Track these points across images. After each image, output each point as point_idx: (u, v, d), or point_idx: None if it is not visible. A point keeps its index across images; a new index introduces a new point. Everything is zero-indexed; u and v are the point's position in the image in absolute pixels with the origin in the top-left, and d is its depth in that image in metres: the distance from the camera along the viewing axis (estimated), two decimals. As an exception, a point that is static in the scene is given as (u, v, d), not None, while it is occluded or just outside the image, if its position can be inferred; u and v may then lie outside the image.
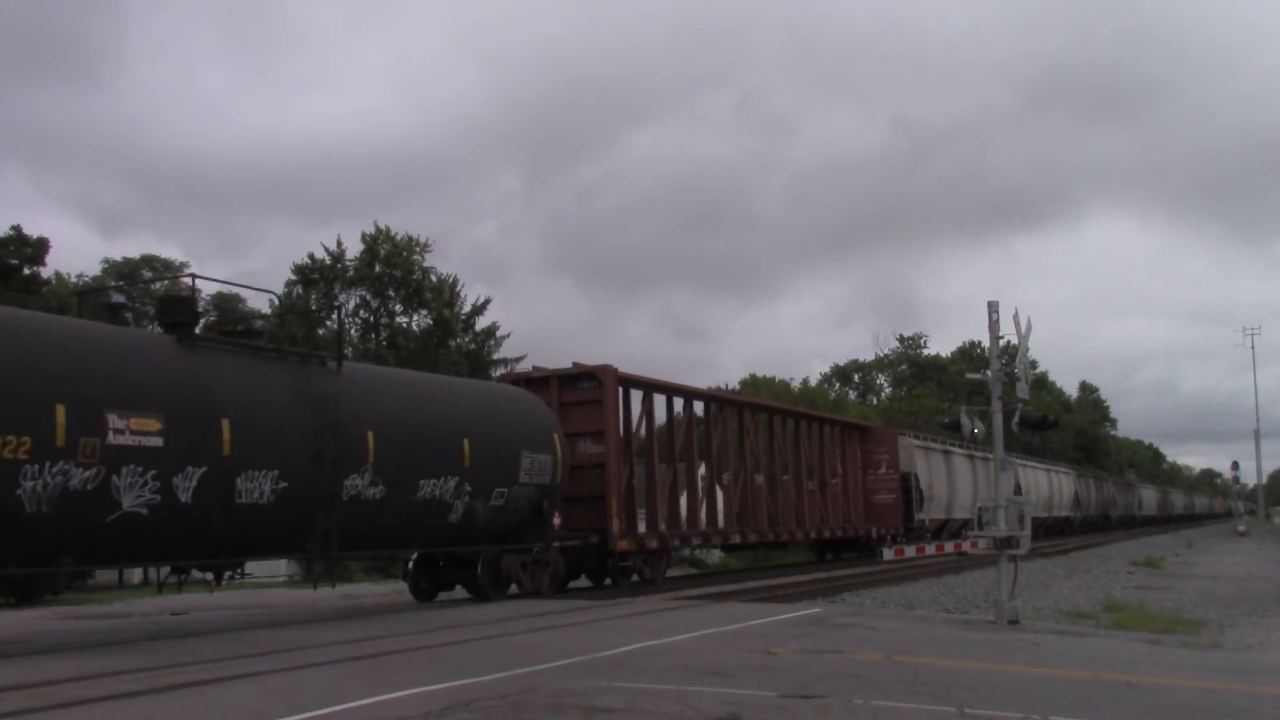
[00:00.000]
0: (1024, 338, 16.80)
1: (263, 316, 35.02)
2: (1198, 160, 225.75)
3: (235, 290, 44.88)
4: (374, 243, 41.45)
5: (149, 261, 52.74)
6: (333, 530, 15.04)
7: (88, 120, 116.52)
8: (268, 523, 14.33)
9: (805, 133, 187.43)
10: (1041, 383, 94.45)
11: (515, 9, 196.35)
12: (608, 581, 22.35)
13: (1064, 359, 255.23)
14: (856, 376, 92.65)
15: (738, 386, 58.24)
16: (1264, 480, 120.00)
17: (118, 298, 17.49)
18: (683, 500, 25.01)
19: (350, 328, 41.36)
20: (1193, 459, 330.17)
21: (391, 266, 41.27)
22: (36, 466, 11.46)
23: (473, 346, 43.58)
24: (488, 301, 45.07)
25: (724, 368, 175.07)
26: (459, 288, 43.50)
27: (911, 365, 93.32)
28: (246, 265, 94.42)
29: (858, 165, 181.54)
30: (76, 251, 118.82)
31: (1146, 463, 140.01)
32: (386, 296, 41.58)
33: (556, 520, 19.83)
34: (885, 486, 35.18)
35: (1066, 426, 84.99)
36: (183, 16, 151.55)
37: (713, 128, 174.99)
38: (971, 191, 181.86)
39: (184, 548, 13.69)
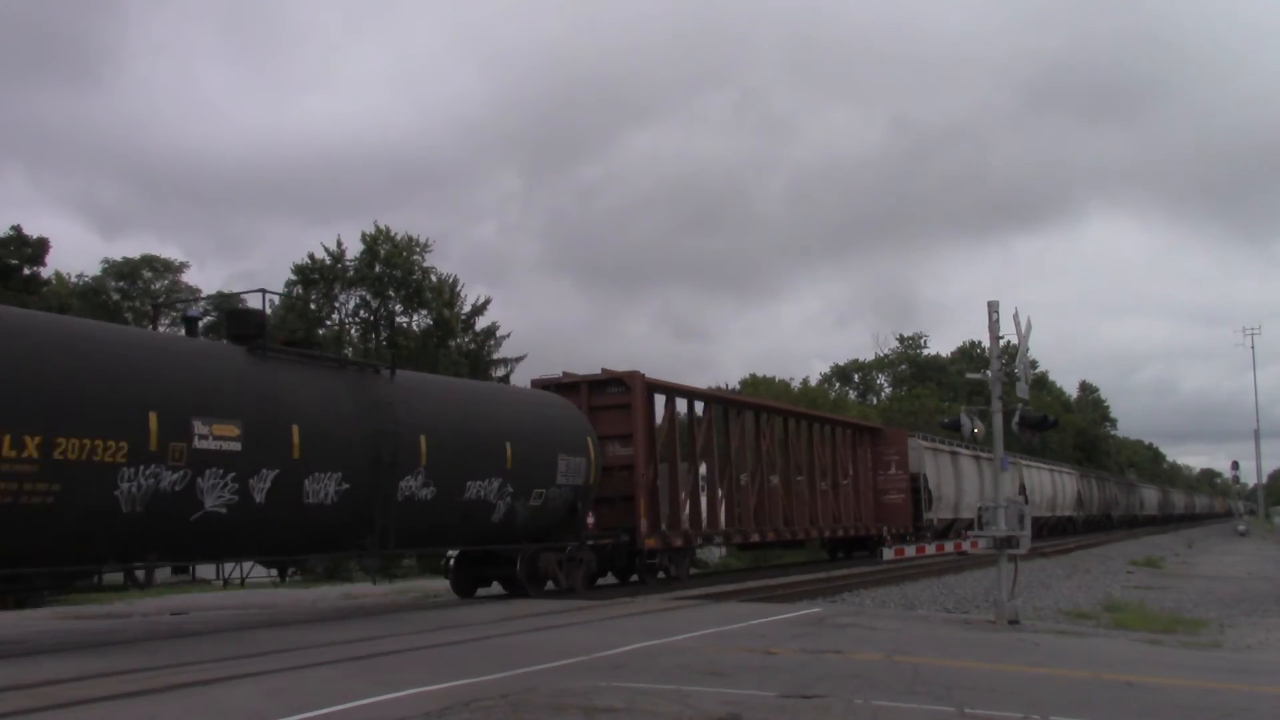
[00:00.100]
0: (1024, 338, 16.81)
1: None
2: (1198, 160, 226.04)
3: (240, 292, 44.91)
4: (374, 243, 41.43)
5: (149, 261, 52.81)
6: (389, 529, 15.84)
7: (88, 120, 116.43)
8: (331, 522, 15.19)
9: (805, 133, 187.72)
10: (1041, 383, 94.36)
11: (515, 9, 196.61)
12: (634, 578, 22.71)
13: (1064, 359, 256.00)
14: (856, 376, 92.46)
15: (737, 386, 58.14)
16: (1264, 480, 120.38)
17: (194, 311, 18.20)
18: (703, 500, 25.45)
19: (350, 328, 41.37)
20: (1193, 459, 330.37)
21: (391, 266, 41.25)
22: (132, 469, 12.34)
23: (473, 346, 43.54)
24: (488, 301, 45.11)
25: (724, 368, 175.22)
26: (459, 288, 43.51)
27: (911, 365, 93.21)
28: (246, 265, 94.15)
29: (858, 165, 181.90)
30: (76, 251, 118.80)
31: (1146, 463, 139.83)
32: (386, 297, 41.54)
33: (590, 519, 20.75)
34: (895, 487, 35.77)
35: (1066, 426, 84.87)
36: (183, 16, 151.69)
37: (712, 128, 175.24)
38: (971, 191, 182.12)
39: (256, 545, 14.52)
